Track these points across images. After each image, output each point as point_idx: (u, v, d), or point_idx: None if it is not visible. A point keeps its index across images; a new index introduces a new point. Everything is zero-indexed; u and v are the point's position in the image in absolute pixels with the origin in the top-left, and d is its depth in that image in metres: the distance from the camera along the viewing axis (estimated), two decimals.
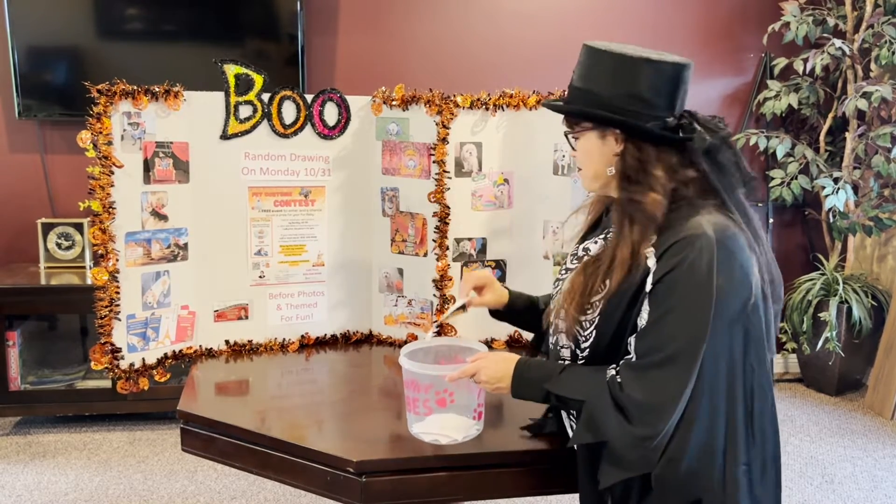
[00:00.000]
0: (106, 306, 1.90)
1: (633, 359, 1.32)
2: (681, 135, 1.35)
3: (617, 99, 1.35)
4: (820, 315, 3.79)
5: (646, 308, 1.31)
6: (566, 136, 1.47)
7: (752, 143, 3.87)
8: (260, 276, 2.13)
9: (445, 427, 1.52)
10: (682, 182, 1.35)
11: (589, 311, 1.38)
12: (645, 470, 1.29)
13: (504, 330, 2.13)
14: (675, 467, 1.28)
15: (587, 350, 1.40)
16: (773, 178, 3.92)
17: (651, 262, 1.31)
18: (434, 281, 2.12)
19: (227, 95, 2.02)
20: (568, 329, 1.41)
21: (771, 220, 4.15)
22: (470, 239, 2.15)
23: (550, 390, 1.40)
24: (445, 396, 1.50)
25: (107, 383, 3.32)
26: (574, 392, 1.37)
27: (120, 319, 1.92)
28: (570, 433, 1.48)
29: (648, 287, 1.30)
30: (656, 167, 1.35)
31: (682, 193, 1.35)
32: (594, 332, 1.38)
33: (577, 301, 1.39)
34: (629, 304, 1.33)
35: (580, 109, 1.41)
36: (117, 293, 1.91)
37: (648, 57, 1.34)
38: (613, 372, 1.33)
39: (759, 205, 4.16)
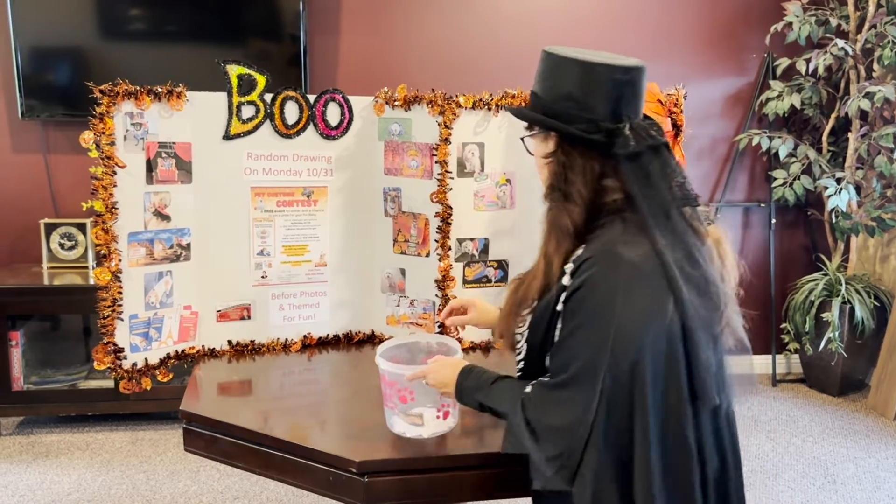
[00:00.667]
0: (108, 306, 1.90)
1: (546, 377, 1.32)
2: (604, 139, 1.27)
3: (554, 101, 1.32)
4: (822, 315, 3.79)
5: (559, 325, 1.29)
6: (522, 140, 1.45)
7: (754, 143, 3.87)
8: (262, 277, 2.14)
9: (415, 423, 1.57)
10: (606, 192, 1.30)
11: (521, 324, 1.38)
12: (561, 486, 1.25)
13: None
14: (584, 485, 1.23)
15: (522, 362, 1.41)
16: (775, 179, 3.92)
17: (566, 279, 1.28)
18: (436, 281, 2.12)
19: (230, 96, 2.02)
20: (511, 338, 1.42)
21: (773, 221, 4.14)
22: (472, 239, 2.15)
23: (481, 401, 1.42)
24: (406, 394, 1.55)
25: (109, 383, 3.32)
26: (500, 405, 1.39)
27: (122, 319, 1.93)
28: None
29: (560, 305, 1.28)
30: (576, 174, 1.30)
31: (611, 207, 1.30)
32: (525, 346, 1.38)
33: (511, 312, 1.39)
34: (549, 320, 1.31)
35: (516, 109, 1.41)
36: (120, 293, 1.91)
37: (581, 59, 1.29)
38: (529, 389, 1.33)
39: (762, 205, 4.16)
